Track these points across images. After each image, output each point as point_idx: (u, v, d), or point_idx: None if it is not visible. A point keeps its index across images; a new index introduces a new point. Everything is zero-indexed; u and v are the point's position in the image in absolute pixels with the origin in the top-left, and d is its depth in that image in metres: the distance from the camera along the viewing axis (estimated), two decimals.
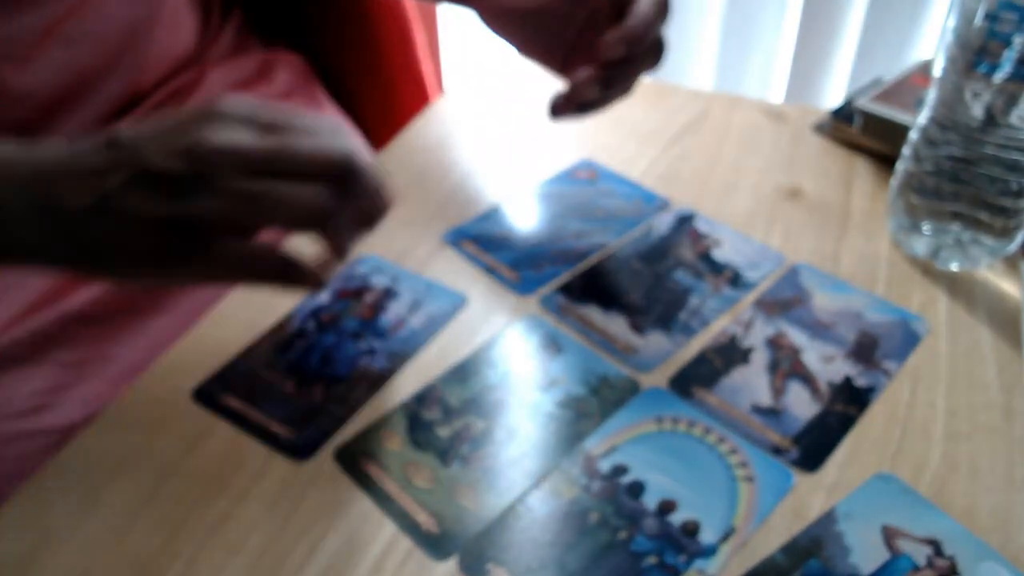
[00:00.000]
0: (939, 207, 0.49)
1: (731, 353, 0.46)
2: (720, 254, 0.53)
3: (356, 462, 0.40)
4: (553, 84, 0.48)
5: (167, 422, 0.43)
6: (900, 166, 0.51)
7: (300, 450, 0.41)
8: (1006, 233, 0.49)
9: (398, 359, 0.46)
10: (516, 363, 0.45)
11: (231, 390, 0.44)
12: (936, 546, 0.36)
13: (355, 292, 0.50)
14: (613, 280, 0.51)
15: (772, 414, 0.43)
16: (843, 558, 0.36)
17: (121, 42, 0.53)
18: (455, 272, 0.51)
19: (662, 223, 0.55)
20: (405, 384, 0.44)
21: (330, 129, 0.36)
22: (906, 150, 0.51)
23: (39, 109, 0.51)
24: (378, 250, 0.53)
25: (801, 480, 0.39)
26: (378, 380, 0.45)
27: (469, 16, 0.55)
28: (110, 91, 0.54)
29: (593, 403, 0.43)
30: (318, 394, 0.44)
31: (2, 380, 0.45)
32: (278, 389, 0.44)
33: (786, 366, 0.45)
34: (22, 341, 0.46)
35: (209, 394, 0.44)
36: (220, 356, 0.46)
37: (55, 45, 0.49)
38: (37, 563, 0.37)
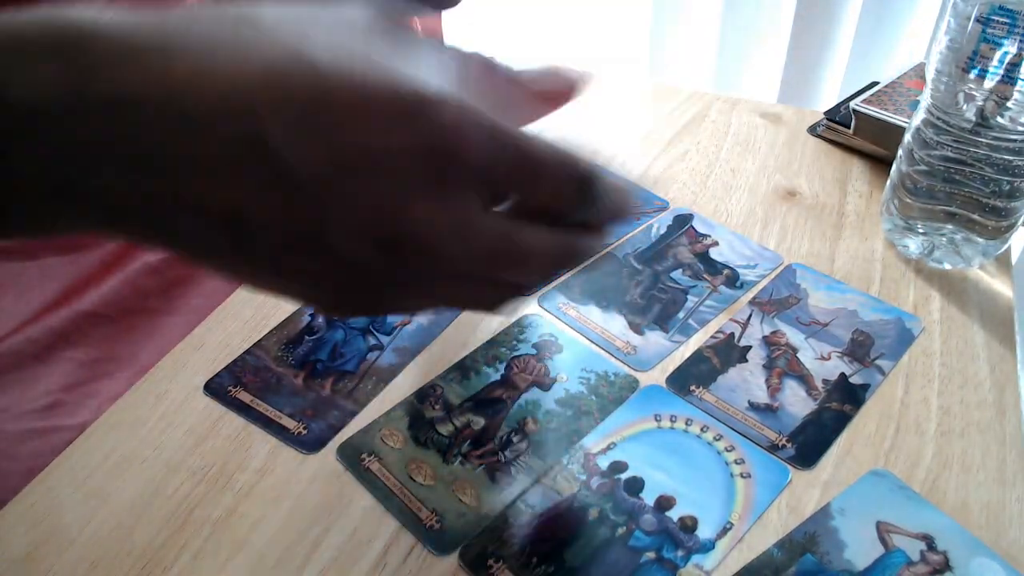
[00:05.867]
0: (933, 207, 0.50)
1: (728, 352, 0.46)
2: (718, 254, 0.53)
3: (358, 459, 0.41)
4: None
5: (174, 418, 0.43)
6: (894, 167, 0.52)
7: (308, 443, 0.42)
8: (998, 233, 0.49)
9: (405, 355, 0.46)
10: (516, 361, 0.46)
11: (241, 384, 0.45)
12: (929, 541, 0.37)
13: None
14: (612, 280, 0.52)
15: (768, 412, 0.43)
16: (838, 553, 0.37)
17: None
18: None
19: (661, 223, 0.56)
20: (407, 382, 0.45)
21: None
22: (900, 151, 0.51)
23: None
24: None
25: (797, 476, 0.40)
26: (385, 375, 0.45)
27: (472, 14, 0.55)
28: None
29: (592, 401, 0.44)
30: (327, 388, 0.45)
31: (17, 378, 0.45)
32: (287, 383, 0.45)
33: (782, 364, 0.46)
34: (37, 340, 0.46)
35: (219, 387, 0.45)
36: (227, 353, 0.47)
37: None
38: (45, 557, 0.37)
